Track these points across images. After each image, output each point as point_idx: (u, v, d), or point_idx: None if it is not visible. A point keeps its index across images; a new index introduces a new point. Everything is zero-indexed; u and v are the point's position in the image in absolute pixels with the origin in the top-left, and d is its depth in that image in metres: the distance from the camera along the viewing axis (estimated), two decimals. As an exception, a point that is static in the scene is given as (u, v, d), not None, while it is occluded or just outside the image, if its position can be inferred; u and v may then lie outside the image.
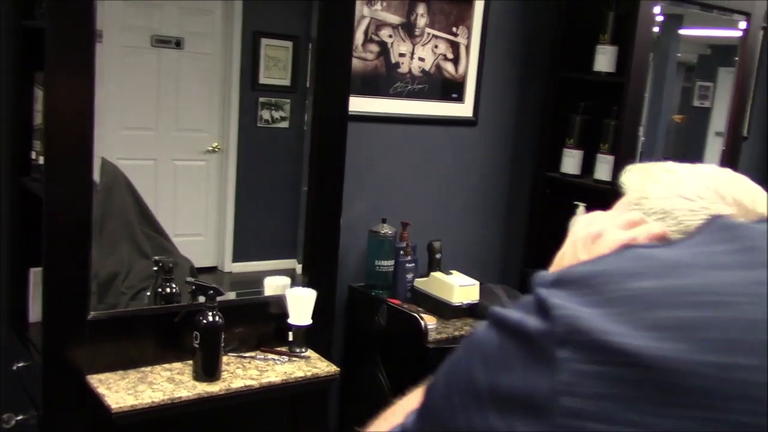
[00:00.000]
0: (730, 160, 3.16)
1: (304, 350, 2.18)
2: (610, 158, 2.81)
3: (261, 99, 2.52)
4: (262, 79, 2.53)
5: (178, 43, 2.38)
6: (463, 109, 2.92)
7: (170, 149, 2.45)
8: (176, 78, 2.41)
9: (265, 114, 2.54)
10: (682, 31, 3.29)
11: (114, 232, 2.32)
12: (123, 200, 2.37)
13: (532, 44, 3.00)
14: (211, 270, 2.55)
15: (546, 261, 3.13)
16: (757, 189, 0.84)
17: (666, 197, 0.84)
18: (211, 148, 2.48)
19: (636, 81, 2.70)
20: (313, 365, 2.13)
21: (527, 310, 0.54)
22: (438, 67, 2.82)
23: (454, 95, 2.89)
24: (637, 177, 0.92)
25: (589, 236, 0.77)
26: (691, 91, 3.93)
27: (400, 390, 2.51)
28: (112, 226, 2.30)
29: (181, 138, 2.49)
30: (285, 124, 2.59)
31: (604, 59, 2.82)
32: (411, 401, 0.72)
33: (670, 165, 0.91)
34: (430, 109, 2.84)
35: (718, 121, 3.74)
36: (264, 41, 2.50)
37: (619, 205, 0.90)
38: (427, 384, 0.62)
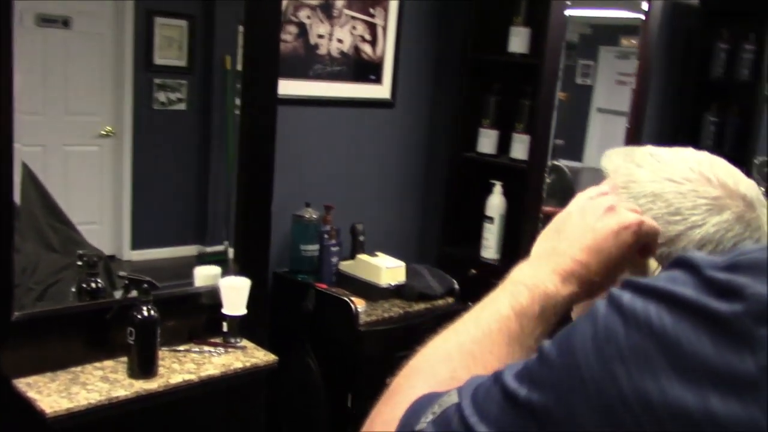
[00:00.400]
0: (634, 137, 3.30)
1: (239, 340, 2.14)
2: (526, 138, 2.88)
3: (156, 80, 2.43)
4: (157, 60, 2.44)
5: (65, 23, 2.25)
6: (381, 90, 2.91)
7: (60, 134, 2.34)
8: (65, 59, 2.29)
9: (161, 96, 2.45)
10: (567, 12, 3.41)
11: (18, 225, 2.19)
12: (26, 192, 2.23)
13: (447, 26, 3.02)
14: (110, 259, 2.45)
15: (463, 239, 3.22)
16: (735, 170, 0.88)
17: (654, 181, 0.86)
18: (104, 133, 2.38)
19: (550, 62, 2.77)
20: (251, 355, 2.10)
21: (700, 291, 0.53)
22: (356, 49, 2.80)
23: (372, 77, 2.88)
24: (619, 161, 0.94)
25: (602, 206, 0.79)
26: (574, 69, 4.09)
27: (331, 374, 2.51)
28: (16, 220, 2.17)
29: (71, 122, 2.37)
30: (182, 107, 2.51)
31: (518, 41, 2.88)
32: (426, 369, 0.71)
33: (652, 149, 0.94)
34: (348, 91, 2.82)
35: (599, 98, 3.92)
36: (158, 20, 2.41)
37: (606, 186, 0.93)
38: (546, 352, 0.57)
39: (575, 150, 3.44)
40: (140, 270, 2.48)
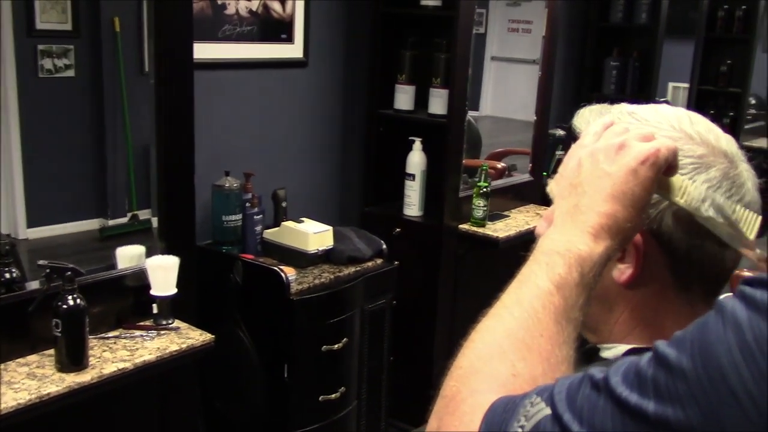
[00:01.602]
0: (546, 85, 3.33)
1: (171, 322, 2.04)
2: (444, 92, 2.85)
3: (40, 46, 2.26)
4: (39, 24, 2.27)
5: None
6: (294, 50, 2.81)
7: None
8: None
9: (47, 63, 2.29)
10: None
11: None
12: None
13: (358, -21, 2.93)
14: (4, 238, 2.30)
15: (385, 197, 3.21)
16: (712, 125, 0.87)
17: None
18: (-14, 105, 2.20)
19: (465, 14, 2.74)
20: (186, 336, 2.01)
21: None
22: (265, 7, 2.68)
23: (284, 36, 2.77)
24: (595, 120, 0.92)
25: (612, 147, 0.75)
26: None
27: (265, 347, 2.45)
28: None
29: (-53, 95, 2.19)
30: (71, 73, 2.35)
31: (431, -7, 2.83)
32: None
33: (629, 107, 0.92)
34: (260, 52, 2.71)
35: (492, 46, 3.95)
36: (37, -21, 2.24)
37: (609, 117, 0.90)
38: (674, 362, 0.54)
39: (472, 100, 3.42)
40: (40, 249, 2.34)
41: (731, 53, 5.24)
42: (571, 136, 0.96)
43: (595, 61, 4.20)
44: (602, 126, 0.79)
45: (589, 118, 0.92)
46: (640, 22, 4.08)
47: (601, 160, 0.75)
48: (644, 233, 0.80)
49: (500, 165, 3.64)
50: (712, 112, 4.99)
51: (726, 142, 0.84)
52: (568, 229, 0.73)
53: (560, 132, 3.89)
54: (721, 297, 0.71)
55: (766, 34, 5.49)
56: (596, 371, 0.59)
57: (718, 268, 0.82)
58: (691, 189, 0.76)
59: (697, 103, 4.66)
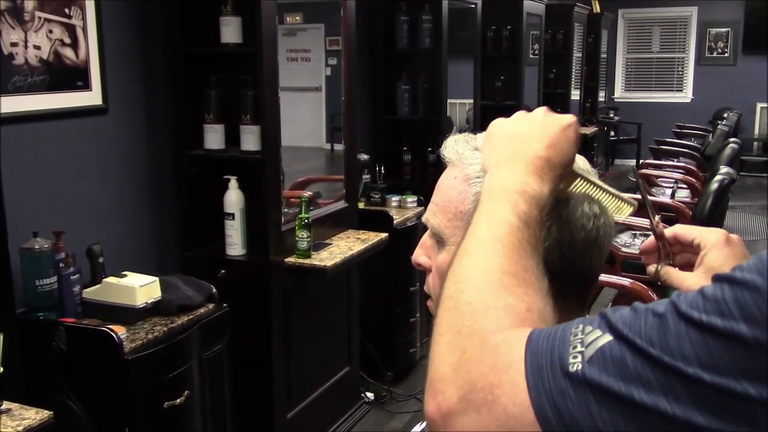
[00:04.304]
0: (349, 116, 3.41)
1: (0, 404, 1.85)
2: (255, 128, 2.83)
3: None
4: None
5: None
6: (92, 97, 2.67)
7: None
8: None
9: None
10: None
11: None
12: None
13: (154, 21, 2.84)
14: None
15: (205, 240, 3.19)
16: None
17: None
18: None
19: (268, 48, 2.74)
20: (21, 417, 1.83)
21: None
22: (57, 54, 2.53)
23: (80, 83, 2.62)
24: (462, 149, 0.98)
25: (540, 111, 0.85)
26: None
27: (100, 414, 2.29)
28: None
29: None
30: None
31: (230, 30, 2.81)
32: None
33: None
34: (56, 102, 2.54)
35: None
36: None
37: (455, 179, 0.96)
38: (747, 279, 0.55)
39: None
40: None
41: (503, 70, 5.68)
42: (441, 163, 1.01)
43: (386, 85, 4.37)
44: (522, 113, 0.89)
45: (456, 147, 0.98)
46: (425, 46, 4.30)
47: (537, 119, 0.84)
48: None
49: (309, 194, 3.68)
50: (493, 124, 5.36)
51: (581, 161, 0.96)
52: (515, 171, 0.79)
53: (364, 157, 4.00)
54: None
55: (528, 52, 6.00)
56: (651, 305, 0.61)
57: (587, 278, 0.93)
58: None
59: (482, 117, 4.98)
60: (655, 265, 0.97)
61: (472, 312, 0.67)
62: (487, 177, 0.82)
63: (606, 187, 0.88)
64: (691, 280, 0.94)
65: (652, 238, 0.99)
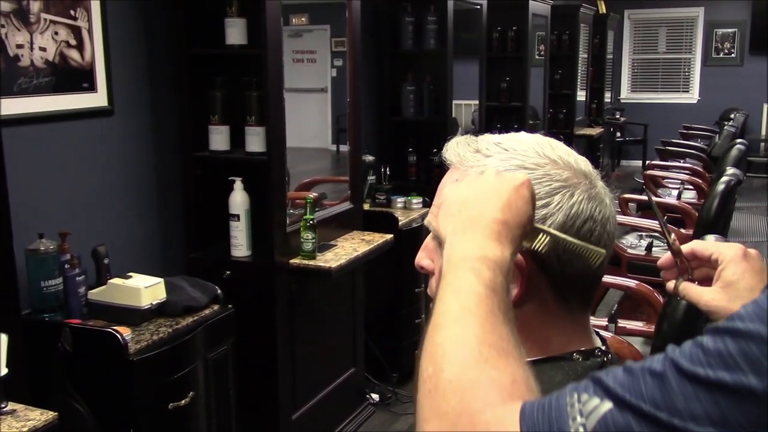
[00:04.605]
0: (354, 115, 3.41)
1: (4, 405, 1.86)
2: (260, 129, 2.84)
3: None
4: None
5: None
6: (97, 98, 2.67)
7: None
8: None
9: None
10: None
11: None
12: None
13: (158, 22, 2.85)
14: None
15: (210, 241, 3.17)
16: (570, 149, 0.96)
17: (507, 169, 0.90)
18: None
19: (273, 50, 2.74)
20: (26, 418, 1.83)
21: None
22: (62, 56, 2.53)
23: (85, 85, 2.63)
24: (463, 152, 0.97)
25: (490, 174, 0.83)
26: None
27: (105, 415, 2.30)
28: None
29: None
30: None
31: (235, 32, 2.81)
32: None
33: (493, 137, 0.98)
34: (62, 104, 2.55)
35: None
36: None
37: (454, 180, 0.95)
38: (751, 330, 0.54)
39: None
40: None
41: (508, 71, 5.67)
42: (443, 166, 1.01)
43: (391, 86, 4.37)
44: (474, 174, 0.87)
45: (457, 150, 0.97)
46: (430, 47, 4.30)
47: (487, 182, 0.82)
48: (525, 255, 0.87)
49: (314, 195, 3.68)
50: (498, 125, 5.36)
51: (583, 163, 0.94)
52: (472, 238, 0.78)
53: (370, 158, 4.00)
54: None
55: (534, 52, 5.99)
56: (646, 363, 0.59)
57: (589, 279, 0.91)
58: (544, 237, 0.86)
59: (487, 118, 4.97)
60: (674, 281, 0.97)
61: (455, 391, 0.64)
62: (446, 246, 0.79)
63: (570, 239, 0.86)
64: (708, 295, 0.94)
65: (669, 253, 0.99)
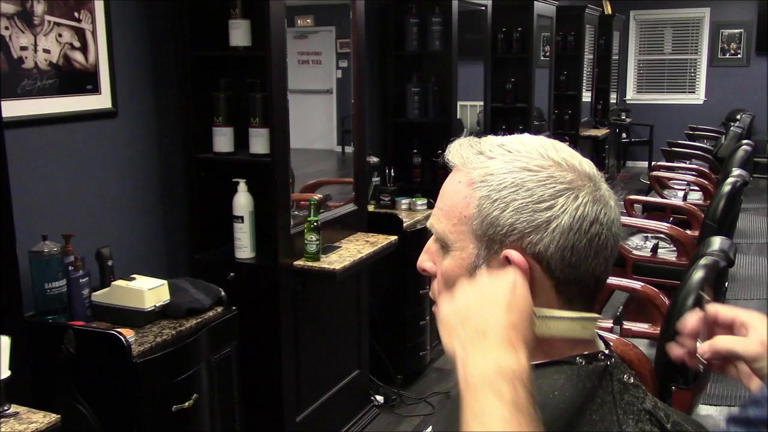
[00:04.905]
0: (359, 115, 3.41)
1: (7, 408, 1.85)
2: (264, 131, 2.83)
3: None
4: None
5: None
6: (101, 100, 2.67)
7: None
8: None
9: None
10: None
11: None
12: None
13: (162, 23, 2.85)
14: None
15: (214, 243, 3.16)
16: (574, 151, 0.95)
17: (511, 171, 0.89)
18: None
19: (277, 51, 2.74)
20: (28, 421, 1.83)
21: None
22: (66, 58, 2.53)
23: (89, 87, 2.63)
24: (467, 154, 0.96)
25: (482, 280, 0.84)
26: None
27: (109, 417, 2.29)
28: None
29: None
30: None
31: (239, 33, 2.81)
32: None
33: (496, 139, 0.97)
34: (66, 106, 2.55)
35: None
36: None
37: (459, 184, 0.94)
38: None
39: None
40: None
41: (513, 72, 5.66)
42: (446, 167, 1.00)
43: (396, 88, 4.36)
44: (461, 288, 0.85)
45: (460, 151, 0.96)
46: (435, 48, 4.29)
47: (480, 291, 0.81)
48: (528, 259, 0.86)
49: (318, 197, 3.67)
50: (504, 127, 5.35)
51: (588, 165, 0.92)
52: (484, 352, 0.76)
53: (374, 159, 3.99)
54: None
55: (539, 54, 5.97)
56: None
57: (593, 283, 0.90)
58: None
59: (492, 119, 4.96)
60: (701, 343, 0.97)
61: None
62: (459, 367, 0.77)
63: (565, 315, 0.87)
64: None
65: (695, 320, 0.98)
